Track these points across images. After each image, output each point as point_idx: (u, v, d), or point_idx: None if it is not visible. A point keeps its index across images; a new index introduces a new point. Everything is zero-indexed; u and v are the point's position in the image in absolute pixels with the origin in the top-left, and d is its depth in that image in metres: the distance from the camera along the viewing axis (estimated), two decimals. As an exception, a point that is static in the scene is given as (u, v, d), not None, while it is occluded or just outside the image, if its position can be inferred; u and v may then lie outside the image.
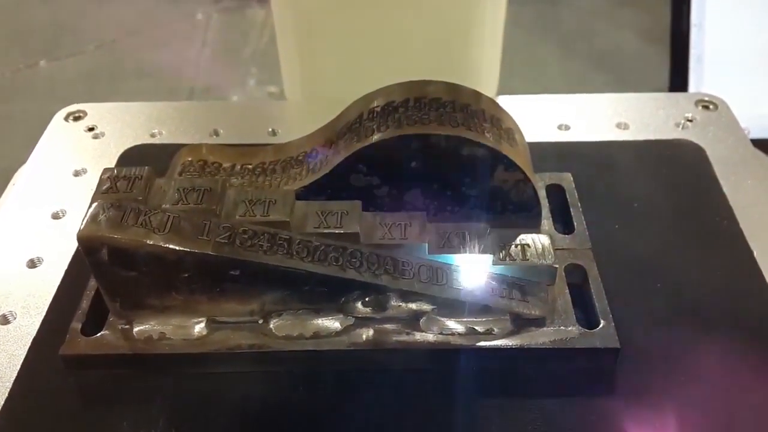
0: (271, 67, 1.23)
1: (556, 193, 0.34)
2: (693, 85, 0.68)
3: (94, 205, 0.25)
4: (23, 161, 0.41)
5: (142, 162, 0.28)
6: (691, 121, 0.41)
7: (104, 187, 0.27)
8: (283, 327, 0.28)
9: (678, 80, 0.68)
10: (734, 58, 0.68)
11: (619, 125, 0.41)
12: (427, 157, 0.29)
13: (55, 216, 0.35)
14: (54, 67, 1.27)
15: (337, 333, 0.28)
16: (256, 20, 1.38)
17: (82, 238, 0.25)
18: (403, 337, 0.28)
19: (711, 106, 0.42)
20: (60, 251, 0.33)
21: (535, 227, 0.31)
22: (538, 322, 0.28)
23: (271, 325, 0.28)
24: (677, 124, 0.41)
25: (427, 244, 0.28)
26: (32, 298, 0.31)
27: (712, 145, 0.39)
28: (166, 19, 1.38)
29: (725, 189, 0.36)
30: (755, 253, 0.33)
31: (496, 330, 0.28)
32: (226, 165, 0.32)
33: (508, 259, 0.28)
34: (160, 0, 1.43)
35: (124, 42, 1.33)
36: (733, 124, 0.41)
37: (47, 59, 1.28)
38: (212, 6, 1.42)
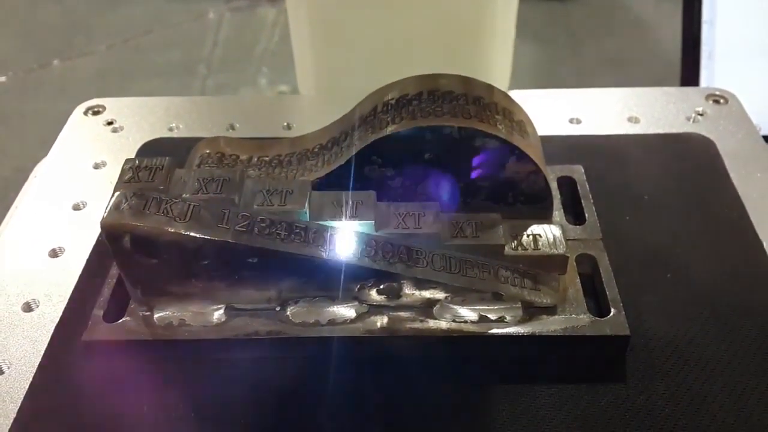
0: (282, 67, 1.24)
1: (567, 185, 0.35)
2: (704, 82, 0.68)
3: (117, 193, 0.26)
4: (37, 159, 0.41)
5: (161, 155, 0.29)
6: (701, 114, 0.41)
7: (126, 177, 0.27)
8: (300, 314, 0.28)
9: (689, 77, 0.68)
10: (745, 54, 0.68)
11: (630, 119, 0.41)
12: (440, 148, 0.30)
13: (76, 207, 0.36)
14: (67, 67, 1.29)
15: (352, 320, 0.28)
16: (267, 19, 1.39)
17: (105, 226, 0.26)
18: (417, 325, 0.28)
19: (721, 100, 0.42)
20: (81, 241, 0.34)
21: (546, 218, 0.32)
22: (550, 310, 0.29)
23: (288, 312, 0.28)
24: (688, 118, 0.41)
25: (440, 234, 0.28)
26: (54, 287, 0.32)
27: (723, 139, 0.39)
28: (177, 18, 1.39)
29: (735, 182, 0.36)
30: (765, 245, 0.33)
31: (508, 318, 0.28)
32: (243, 157, 0.33)
33: (520, 248, 0.29)
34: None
35: (136, 42, 1.35)
36: (744, 117, 0.41)
37: (60, 59, 1.30)
38: (224, 5, 1.43)
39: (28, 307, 0.31)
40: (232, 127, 0.41)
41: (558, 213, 0.33)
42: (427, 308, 0.29)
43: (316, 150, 0.32)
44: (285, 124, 0.42)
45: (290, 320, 0.28)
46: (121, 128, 0.42)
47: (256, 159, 0.33)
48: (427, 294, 0.28)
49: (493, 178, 0.30)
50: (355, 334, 0.28)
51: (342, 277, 0.27)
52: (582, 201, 0.34)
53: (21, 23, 1.40)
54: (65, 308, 0.31)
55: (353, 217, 0.28)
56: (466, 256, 0.28)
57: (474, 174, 0.30)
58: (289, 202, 0.28)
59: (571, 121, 0.41)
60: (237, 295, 0.28)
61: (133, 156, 0.39)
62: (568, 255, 0.29)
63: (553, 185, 0.34)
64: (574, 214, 0.34)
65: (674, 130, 0.40)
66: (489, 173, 0.30)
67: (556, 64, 1.19)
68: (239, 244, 0.26)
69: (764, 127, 0.52)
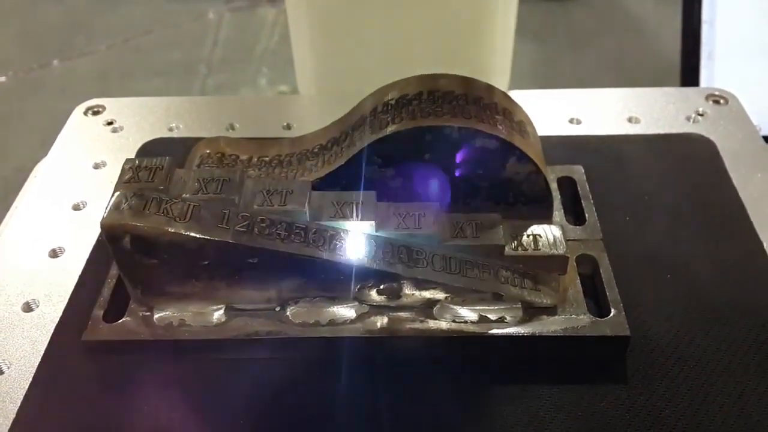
0: (282, 67, 1.24)
1: (567, 185, 0.35)
2: (704, 82, 0.68)
3: (117, 194, 0.26)
4: (37, 159, 0.41)
5: (161, 155, 0.29)
6: (701, 115, 0.41)
7: (126, 177, 0.27)
8: (300, 314, 0.28)
9: (689, 77, 0.68)
10: (745, 55, 0.68)
11: (630, 119, 0.41)
12: (440, 148, 0.30)
13: (76, 207, 0.36)
14: (67, 67, 1.29)
15: (352, 321, 0.28)
16: (267, 19, 1.39)
17: (105, 226, 0.26)
18: (417, 325, 0.28)
19: (721, 101, 0.42)
20: (81, 241, 0.34)
21: (546, 218, 0.32)
22: (550, 311, 0.29)
23: (288, 313, 0.28)
24: (688, 118, 0.41)
25: (440, 234, 0.28)
26: (54, 287, 0.32)
27: (723, 139, 0.39)
28: (177, 18, 1.39)
29: (735, 182, 0.36)
30: (765, 245, 0.33)
31: (508, 318, 0.28)
32: (243, 157, 0.33)
33: (520, 249, 0.29)
34: (171, -1, 1.44)
35: (136, 42, 1.35)
36: (743, 118, 0.41)
37: (60, 59, 1.30)
38: (224, 5, 1.43)
39: (28, 307, 0.31)
40: (232, 127, 0.41)
41: (558, 213, 0.33)
42: (427, 308, 0.29)
43: (316, 150, 0.32)
44: (285, 124, 0.42)
45: (290, 320, 0.28)
46: (121, 128, 0.42)
47: (256, 159, 0.33)
48: (427, 294, 0.28)
49: (493, 179, 0.30)
50: (355, 335, 0.28)
51: (342, 277, 0.27)
52: (582, 201, 0.34)
53: (21, 23, 1.40)
54: (65, 308, 0.31)
55: (353, 217, 0.28)
56: (466, 256, 0.28)
57: (462, 169, 0.30)
58: (289, 202, 0.28)
59: (571, 121, 0.41)
60: (237, 296, 0.28)
61: (133, 156, 0.39)
62: (569, 255, 0.29)
63: (554, 185, 0.34)
64: (575, 215, 0.34)
65: (674, 131, 0.40)
66: (488, 173, 0.30)
67: (556, 64, 1.19)
68: (239, 245, 0.26)
69: (764, 128, 0.52)
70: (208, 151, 0.33)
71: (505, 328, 0.28)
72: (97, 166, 0.39)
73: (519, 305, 0.28)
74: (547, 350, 0.28)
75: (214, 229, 0.26)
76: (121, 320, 0.29)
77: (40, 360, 0.29)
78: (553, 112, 0.42)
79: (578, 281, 0.30)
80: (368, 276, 0.27)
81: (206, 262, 0.27)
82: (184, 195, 0.27)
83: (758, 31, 0.68)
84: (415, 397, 0.27)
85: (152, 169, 0.28)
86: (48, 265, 0.33)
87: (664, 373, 0.28)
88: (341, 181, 0.31)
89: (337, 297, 0.28)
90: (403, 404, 0.27)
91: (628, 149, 0.39)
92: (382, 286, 0.28)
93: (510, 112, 0.31)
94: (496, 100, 0.31)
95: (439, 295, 0.28)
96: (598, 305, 0.30)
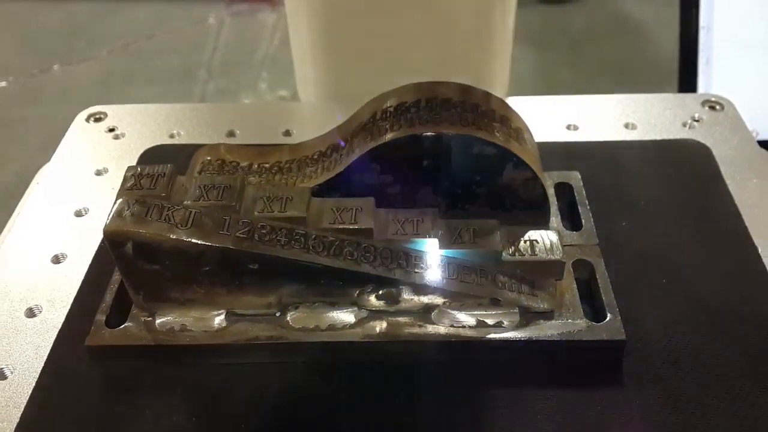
0: (282, 72, 1.24)
1: (564, 191, 0.35)
2: (702, 88, 0.68)
3: (119, 201, 0.27)
4: (39, 164, 0.42)
5: (162, 162, 0.29)
6: (697, 121, 0.42)
7: (128, 184, 0.28)
8: (300, 319, 0.29)
9: (687, 83, 0.69)
10: (743, 60, 0.68)
11: (626, 125, 0.42)
12: (438, 155, 0.30)
13: (78, 213, 0.36)
14: (67, 72, 1.29)
15: (352, 325, 0.29)
16: (267, 24, 1.39)
17: (108, 233, 0.26)
18: (416, 330, 0.29)
19: (717, 107, 0.43)
20: (83, 247, 0.34)
21: (543, 224, 0.32)
22: (547, 315, 0.29)
23: (288, 318, 0.29)
24: (684, 124, 0.42)
25: (438, 240, 0.29)
26: (57, 292, 0.32)
27: (719, 145, 0.40)
28: (178, 23, 1.40)
29: (731, 188, 0.37)
30: (760, 251, 0.33)
31: (505, 323, 0.29)
32: (243, 164, 0.33)
33: (517, 254, 0.29)
34: (172, 4, 1.44)
35: (137, 46, 1.35)
36: (739, 124, 0.41)
37: (61, 64, 1.30)
38: (224, 10, 1.44)
39: (31, 313, 0.31)
40: (233, 134, 0.42)
41: (555, 219, 0.33)
42: (425, 313, 0.29)
43: (315, 157, 0.33)
44: (285, 130, 0.42)
45: (290, 325, 0.29)
46: (123, 135, 0.42)
47: (256, 165, 0.33)
48: (426, 299, 0.28)
49: (491, 185, 0.31)
50: (355, 339, 0.28)
51: (341, 282, 0.28)
52: (579, 207, 0.34)
53: (22, 28, 1.40)
54: (68, 314, 0.31)
55: (352, 223, 0.28)
56: (464, 261, 0.28)
57: (460, 176, 0.30)
58: (289, 208, 0.28)
59: (568, 127, 0.42)
60: (237, 301, 0.28)
61: (134, 163, 0.39)
62: (565, 261, 0.29)
63: (551, 191, 0.34)
64: (571, 220, 0.34)
65: (671, 137, 0.41)
66: (486, 179, 0.31)
67: (555, 70, 1.19)
68: (240, 251, 0.26)
69: (762, 132, 0.53)
70: (209, 158, 0.33)
71: (503, 332, 0.28)
72: (99, 173, 0.39)
73: (516, 310, 0.29)
74: (543, 354, 0.29)
75: (215, 235, 0.26)
76: (123, 325, 0.29)
77: (43, 365, 0.29)
78: (551, 118, 0.42)
79: (575, 286, 0.30)
80: (367, 281, 0.28)
81: (207, 268, 0.27)
82: (185, 202, 0.28)
83: (756, 36, 0.68)
84: (414, 402, 0.28)
85: (154, 176, 0.28)
86: (50, 270, 0.33)
87: (659, 377, 0.28)
88: (340, 188, 0.31)
89: (337, 302, 0.29)
90: (401, 408, 0.27)
91: (625, 155, 0.39)
92: (380, 292, 0.28)
93: (507, 119, 0.31)
94: (493, 107, 0.31)
95: (437, 300, 0.28)
96: (594, 310, 0.30)
